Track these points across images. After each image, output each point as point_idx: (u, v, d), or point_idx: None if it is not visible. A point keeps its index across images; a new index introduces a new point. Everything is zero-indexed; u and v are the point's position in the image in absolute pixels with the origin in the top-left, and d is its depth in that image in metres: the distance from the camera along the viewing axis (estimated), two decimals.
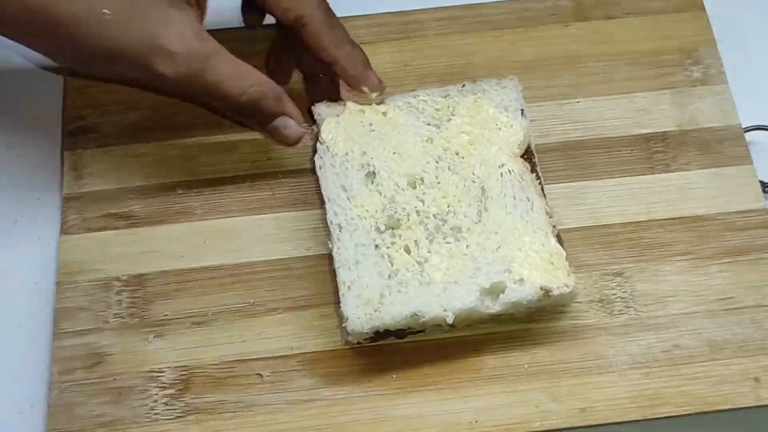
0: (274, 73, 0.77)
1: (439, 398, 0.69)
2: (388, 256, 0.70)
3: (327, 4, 0.76)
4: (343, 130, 0.75)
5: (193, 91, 0.72)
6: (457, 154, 0.74)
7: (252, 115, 0.73)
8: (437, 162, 0.74)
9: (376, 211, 0.72)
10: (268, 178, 0.78)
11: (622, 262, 0.74)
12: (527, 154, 0.75)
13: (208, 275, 0.74)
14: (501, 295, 0.68)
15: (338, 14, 0.76)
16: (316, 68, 0.79)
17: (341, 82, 0.78)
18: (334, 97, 0.78)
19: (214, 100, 0.73)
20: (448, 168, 0.73)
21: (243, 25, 0.82)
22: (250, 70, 0.72)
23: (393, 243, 0.71)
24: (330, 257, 0.72)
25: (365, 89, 0.76)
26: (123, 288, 0.73)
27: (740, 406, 0.69)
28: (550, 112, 0.80)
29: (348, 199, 0.72)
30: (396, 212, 0.72)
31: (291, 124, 0.74)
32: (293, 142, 0.75)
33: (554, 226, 0.71)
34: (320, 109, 0.76)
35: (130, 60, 0.70)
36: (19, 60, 0.84)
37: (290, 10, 0.74)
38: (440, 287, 0.69)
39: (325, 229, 0.74)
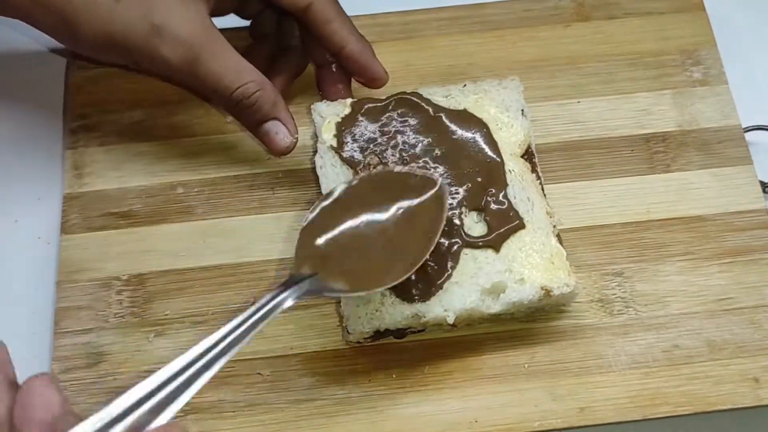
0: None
1: (439, 398, 0.69)
2: None
3: None
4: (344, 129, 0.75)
5: (193, 80, 0.72)
6: None
7: (245, 112, 0.73)
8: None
9: None
10: (268, 178, 0.78)
11: (622, 262, 0.74)
12: (528, 154, 0.75)
13: (209, 275, 0.74)
14: (502, 295, 0.68)
15: None
16: (320, 59, 0.79)
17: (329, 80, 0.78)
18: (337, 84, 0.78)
19: (212, 91, 0.72)
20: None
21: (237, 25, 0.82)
22: (251, 68, 0.72)
23: None
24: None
25: (372, 76, 0.76)
26: (123, 287, 0.73)
27: (739, 406, 0.69)
28: (550, 113, 0.80)
29: None
30: None
31: (282, 131, 0.73)
32: (281, 150, 0.74)
33: (554, 226, 0.71)
34: (320, 109, 0.76)
35: (134, 43, 0.70)
36: (20, 58, 0.84)
37: None
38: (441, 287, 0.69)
39: None
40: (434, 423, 0.68)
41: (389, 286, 0.66)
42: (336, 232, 0.67)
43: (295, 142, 0.74)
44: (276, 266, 0.74)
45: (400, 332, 0.70)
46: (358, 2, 0.80)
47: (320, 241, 0.66)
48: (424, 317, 0.68)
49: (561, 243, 0.70)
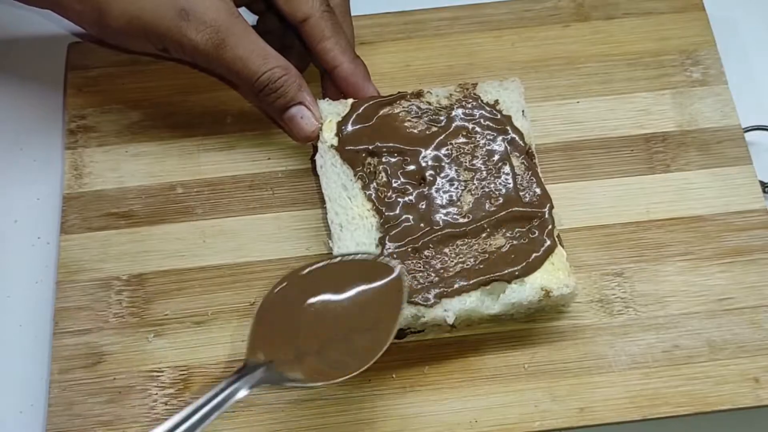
0: None
1: (439, 398, 0.69)
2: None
3: (342, 10, 0.77)
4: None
5: (219, 64, 0.73)
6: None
7: (271, 97, 0.73)
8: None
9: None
10: (268, 178, 0.78)
11: (621, 263, 0.74)
12: (528, 155, 0.75)
13: (208, 275, 0.74)
14: (501, 296, 0.68)
15: None
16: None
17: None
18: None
19: (238, 75, 0.73)
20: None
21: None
22: (276, 54, 0.73)
23: None
24: (330, 257, 0.72)
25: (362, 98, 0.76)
26: (123, 287, 0.73)
27: (740, 406, 0.69)
28: (550, 113, 0.80)
29: (349, 198, 0.72)
30: None
31: (308, 115, 0.73)
32: (306, 135, 0.74)
33: (554, 227, 0.71)
34: (322, 107, 0.75)
35: (162, 27, 0.71)
36: (19, 58, 0.84)
37: (298, 10, 0.74)
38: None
39: (325, 229, 0.74)
40: (434, 423, 0.68)
41: (344, 379, 0.63)
42: (291, 318, 0.65)
43: (320, 128, 0.74)
44: (275, 266, 0.74)
45: (400, 333, 0.70)
46: (358, 2, 0.80)
47: (275, 326, 0.64)
48: (424, 317, 0.68)
49: (561, 243, 0.70)
